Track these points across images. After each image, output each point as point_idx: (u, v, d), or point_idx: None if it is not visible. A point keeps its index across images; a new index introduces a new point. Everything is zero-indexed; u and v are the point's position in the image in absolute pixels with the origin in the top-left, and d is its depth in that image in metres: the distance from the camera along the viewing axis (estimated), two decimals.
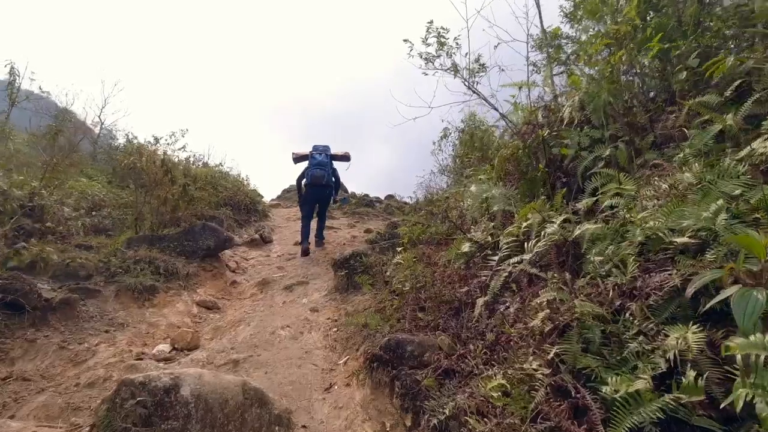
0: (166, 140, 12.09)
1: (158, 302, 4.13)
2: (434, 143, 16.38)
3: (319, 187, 6.34)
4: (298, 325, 3.78)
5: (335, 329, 3.62)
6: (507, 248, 2.82)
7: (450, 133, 16.46)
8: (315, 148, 6.56)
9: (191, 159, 12.05)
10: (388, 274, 3.93)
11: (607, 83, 3.63)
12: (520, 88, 5.04)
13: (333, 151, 6.69)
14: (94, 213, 6.78)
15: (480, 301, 2.77)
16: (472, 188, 3.35)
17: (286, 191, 15.63)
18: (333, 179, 6.54)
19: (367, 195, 13.56)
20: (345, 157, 6.89)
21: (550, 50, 5.48)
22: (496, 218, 3.21)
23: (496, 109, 5.10)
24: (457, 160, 16.48)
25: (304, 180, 6.42)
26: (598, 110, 3.83)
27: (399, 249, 4.69)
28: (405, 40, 4.98)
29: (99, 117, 19.06)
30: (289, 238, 8.19)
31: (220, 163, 12.29)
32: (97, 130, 16.51)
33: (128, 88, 15.27)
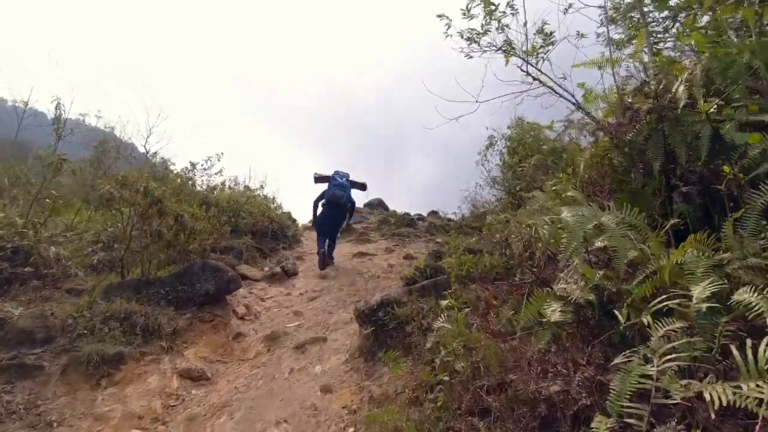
0: (202, 165, 11.62)
1: (122, 377, 3.08)
2: (479, 153, 15.07)
3: (336, 206, 6.60)
4: (300, 419, 2.59)
5: (352, 430, 2.40)
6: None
7: (496, 141, 15.12)
8: (336, 172, 6.92)
9: (227, 183, 11.51)
10: (429, 345, 2.68)
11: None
12: (600, 66, 3.73)
13: (352, 178, 6.99)
14: (114, 246, 5.95)
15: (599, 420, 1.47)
16: (565, 214, 2.04)
17: None
18: (349, 204, 6.80)
19: (407, 213, 12.35)
20: (362, 186, 7.27)
21: (646, 8, 4.09)
22: (617, 266, 1.86)
23: (568, 99, 3.79)
24: (506, 171, 15.07)
25: (323, 200, 6.67)
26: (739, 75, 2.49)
27: (445, 294, 3.45)
28: (440, 16, 3.80)
29: (144, 146, 19.36)
30: (317, 268, 7.11)
31: (261, 186, 11.82)
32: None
33: (172, 116, 15.06)
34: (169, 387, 3.18)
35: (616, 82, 3.60)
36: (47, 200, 5.90)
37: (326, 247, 6.69)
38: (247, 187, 11.69)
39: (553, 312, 1.89)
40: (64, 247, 5.76)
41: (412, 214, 13.48)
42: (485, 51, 3.88)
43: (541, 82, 3.90)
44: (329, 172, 6.99)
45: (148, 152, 18.67)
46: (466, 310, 3.26)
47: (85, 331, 3.43)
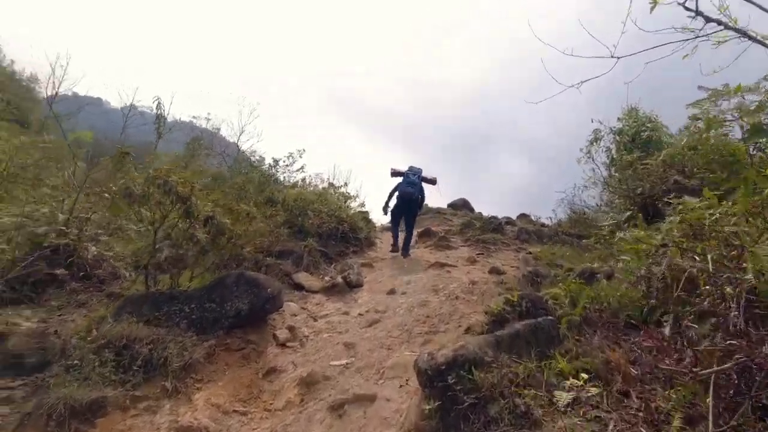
0: (284, 161, 11.29)
1: None
2: (581, 150, 13.09)
3: (407, 201, 7.12)
4: None
5: None
6: None
7: (602, 136, 13.04)
8: (410, 168, 7.45)
9: (309, 179, 11.13)
10: None
11: None
12: None
13: (424, 173, 7.49)
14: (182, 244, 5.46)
15: None
16: None
17: None
18: (420, 197, 7.33)
19: (494, 217, 10.86)
20: (432, 181, 7.66)
21: None
22: None
23: None
24: (620, 170, 12.99)
25: (396, 193, 7.21)
26: None
27: (551, 352, 2.21)
28: None
29: (237, 143, 19.90)
30: (385, 280, 6.08)
31: (345, 183, 11.38)
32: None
33: (263, 114, 15.18)
34: None
35: None
36: (105, 195, 5.56)
37: (400, 239, 7.40)
38: (331, 184, 11.36)
39: None
40: (126, 243, 5.37)
41: (499, 217, 11.98)
42: None
43: (722, 24, 2.45)
44: (404, 168, 7.50)
45: (239, 149, 19.23)
46: (592, 388, 2.01)
47: (77, 362, 2.72)
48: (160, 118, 13.82)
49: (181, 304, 3.44)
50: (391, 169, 7.66)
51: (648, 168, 5.95)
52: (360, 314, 4.69)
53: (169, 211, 3.44)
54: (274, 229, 5.54)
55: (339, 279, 5.59)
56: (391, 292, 5.36)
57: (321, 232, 7.30)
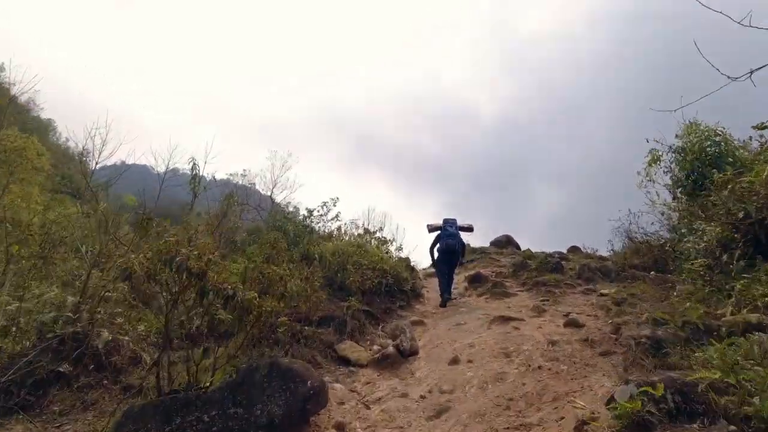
0: (318, 211, 10.80)
1: None
2: (639, 173, 11.99)
3: (450, 253, 7.41)
4: None
5: None
6: None
7: (661, 155, 11.95)
8: (445, 221, 7.68)
9: (344, 228, 10.78)
10: None
11: None
12: None
13: (459, 223, 7.81)
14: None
15: None
16: None
17: None
18: (461, 247, 7.69)
19: (550, 255, 9.79)
20: (469, 229, 8.18)
21: None
22: None
23: None
24: (679, 192, 11.93)
25: (438, 246, 7.53)
26: None
27: None
28: None
29: (270, 195, 19.83)
30: (444, 343, 5.18)
31: (380, 227, 11.31)
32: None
33: (297, 165, 15.13)
34: None
35: None
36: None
37: (447, 289, 7.41)
38: (366, 230, 11.11)
39: None
40: (153, 319, 4.77)
41: (549, 252, 10.92)
42: None
43: None
44: (439, 221, 7.80)
45: (273, 200, 19.10)
46: None
47: None
48: (195, 178, 13.83)
49: (199, 411, 2.69)
50: (428, 225, 8.05)
51: (752, 187, 4.93)
52: (422, 396, 3.80)
53: (183, 290, 2.78)
54: (312, 293, 4.79)
55: (390, 348, 4.75)
56: (454, 361, 4.46)
57: (364, 289, 6.52)
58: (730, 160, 9.06)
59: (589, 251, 11.96)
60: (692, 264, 5.65)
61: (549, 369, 3.85)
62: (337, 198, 10.64)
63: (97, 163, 17.72)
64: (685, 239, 6.65)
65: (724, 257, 5.34)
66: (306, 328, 4.87)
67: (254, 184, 18.99)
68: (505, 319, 5.68)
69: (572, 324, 5.21)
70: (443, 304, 7.15)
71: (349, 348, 4.80)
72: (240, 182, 18.73)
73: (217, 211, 12.67)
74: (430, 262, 7.97)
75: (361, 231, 10.87)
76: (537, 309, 6.27)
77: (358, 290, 6.46)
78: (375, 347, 4.97)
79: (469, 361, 4.41)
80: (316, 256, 6.96)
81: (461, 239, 7.74)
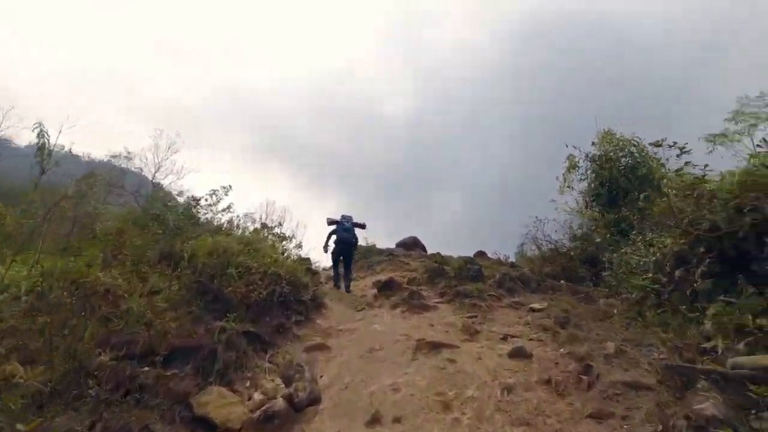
0: (206, 200, 8.56)
1: None
2: (558, 178, 11.87)
3: (345, 244, 8.11)
4: None
5: None
6: None
7: (578, 161, 11.94)
8: (343, 216, 8.51)
9: (236, 222, 9.02)
10: None
11: None
12: None
13: (355, 220, 8.60)
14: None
15: None
16: None
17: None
18: (355, 240, 8.40)
19: (470, 260, 8.84)
20: (362, 226, 8.82)
21: None
22: None
23: None
24: (586, 200, 12.11)
25: (334, 237, 8.20)
26: None
27: None
28: None
29: (152, 179, 16.64)
30: (356, 383, 3.73)
31: (279, 223, 10.98)
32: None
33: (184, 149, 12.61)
34: None
35: None
36: None
37: (344, 280, 8.09)
38: (264, 225, 10.05)
39: None
40: None
41: (467, 257, 10.11)
42: None
43: None
44: (338, 216, 8.52)
45: (154, 185, 16.03)
46: None
47: None
48: (43, 149, 10.67)
49: None
50: (327, 218, 8.68)
51: (716, 193, 4.24)
52: None
53: None
54: (161, 312, 3.01)
55: (279, 400, 3.14)
56: (375, 421, 3.02)
57: (249, 302, 4.81)
58: (644, 171, 9.00)
59: (500, 257, 11.47)
60: (643, 279, 4.95)
61: None
62: (230, 186, 8.56)
63: None
64: (622, 250, 6.04)
65: (677, 273, 4.69)
66: (147, 369, 3.08)
67: (141, 169, 15.80)
68: (435, 346, 4.42)
69: (519, 354, 4.11)
70: (336, 287, 8.01)
71: (214, 401, 3.08)
72: (125, 165, 15.51)
73: (72, 191, 9.87)
74: (324, 245, 8.47)
75: (258, 225, 9.82)
76: (467, 329, 5.11)
77: (241, 303, 4.74)
78: (256, 395, 3.33)
79: (396, 421, 3.01)
80: (185, 255, 5.06)
81: (356, 234, 8.49)
